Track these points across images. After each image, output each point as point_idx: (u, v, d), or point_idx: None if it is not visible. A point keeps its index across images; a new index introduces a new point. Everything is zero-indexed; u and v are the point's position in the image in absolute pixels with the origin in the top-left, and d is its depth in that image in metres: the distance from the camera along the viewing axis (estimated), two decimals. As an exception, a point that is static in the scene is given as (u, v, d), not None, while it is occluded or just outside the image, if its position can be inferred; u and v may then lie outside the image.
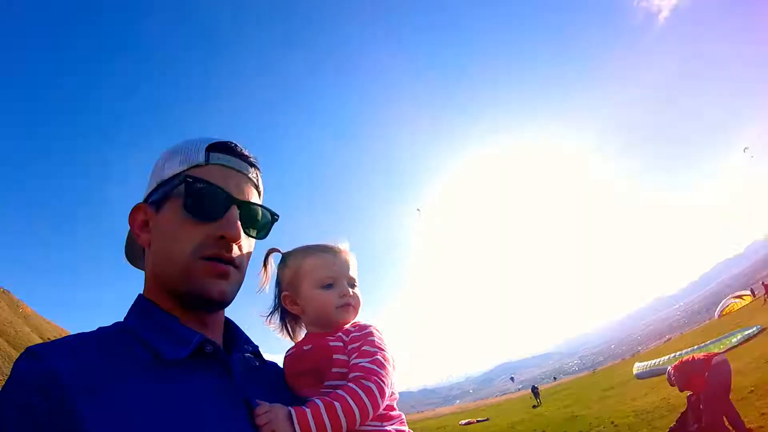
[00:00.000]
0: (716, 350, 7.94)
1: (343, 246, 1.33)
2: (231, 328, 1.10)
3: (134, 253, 1.14)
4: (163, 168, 1.01)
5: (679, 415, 7.64)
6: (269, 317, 1.32)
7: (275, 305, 1.33)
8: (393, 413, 1.18)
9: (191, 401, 0.86)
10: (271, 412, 0.96)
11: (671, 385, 7.56)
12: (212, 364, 0.95)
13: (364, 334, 1.20)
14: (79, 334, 0.89)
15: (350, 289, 1.27)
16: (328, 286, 1.26)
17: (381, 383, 1.09)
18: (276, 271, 1.32)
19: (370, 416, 1.06)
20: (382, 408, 1.10)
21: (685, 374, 7.24)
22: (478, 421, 32.85)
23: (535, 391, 37.43)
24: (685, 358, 7.54)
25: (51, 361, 0.78)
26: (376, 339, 1.19)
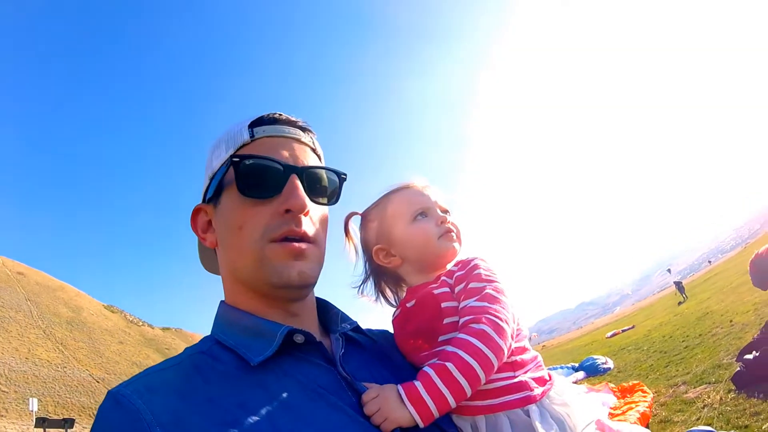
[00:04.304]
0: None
1: (421, 179, 1.18)
2: (325, 308, 0.99)
3: (210, 260, 1.03)
4: (212, 161, 0.92)
5: (764, 324, 5.96)
6: (361, 287, 1.18)
7: (367, 270, 1.18)
8: (525, 357, 0.97)
9: (290, 402, 0.76)
10: (379, 397, 0.81)
11: None
12: (308, 354, 0.84)
13: (469, 269, 1.02)
14: (162, 363, 0.80)
15: (446, 216, 1.12)
16: (422, 216, 1.11)
17: (496, 320, 0.89)
18: (359, 234, 1.17)
19: (495, 364, 0.86)
20: (507, 350, 0.89)
21: (760, 271, 5.58)
22: (623, 331, 31.02)
23: (679, 286, 34.29)
24: (761, 250, 5.84)
25: (130, 402, 0.69)
26: (482, 271, 1.00)
